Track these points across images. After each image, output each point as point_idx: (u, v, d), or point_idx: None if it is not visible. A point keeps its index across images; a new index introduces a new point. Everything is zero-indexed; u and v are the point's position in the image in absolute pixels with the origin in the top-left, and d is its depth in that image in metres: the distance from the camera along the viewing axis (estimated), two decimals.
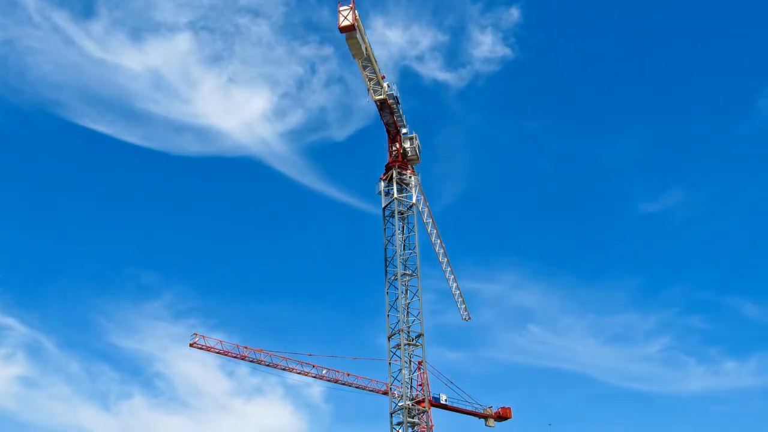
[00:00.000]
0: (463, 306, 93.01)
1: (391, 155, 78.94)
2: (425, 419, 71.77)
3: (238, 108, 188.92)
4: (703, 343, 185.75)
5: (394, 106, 75.10)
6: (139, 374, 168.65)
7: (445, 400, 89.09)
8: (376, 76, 71.88)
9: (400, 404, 70.62)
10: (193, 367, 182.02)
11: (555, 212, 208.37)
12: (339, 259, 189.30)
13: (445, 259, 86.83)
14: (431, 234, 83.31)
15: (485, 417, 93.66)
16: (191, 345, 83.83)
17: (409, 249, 75.63)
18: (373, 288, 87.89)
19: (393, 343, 72.44)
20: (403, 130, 78.81)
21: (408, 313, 73.26)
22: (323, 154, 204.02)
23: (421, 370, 75.38)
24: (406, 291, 74.05)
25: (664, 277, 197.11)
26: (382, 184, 78.27)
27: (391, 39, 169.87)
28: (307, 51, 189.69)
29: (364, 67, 71.06)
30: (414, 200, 77.54)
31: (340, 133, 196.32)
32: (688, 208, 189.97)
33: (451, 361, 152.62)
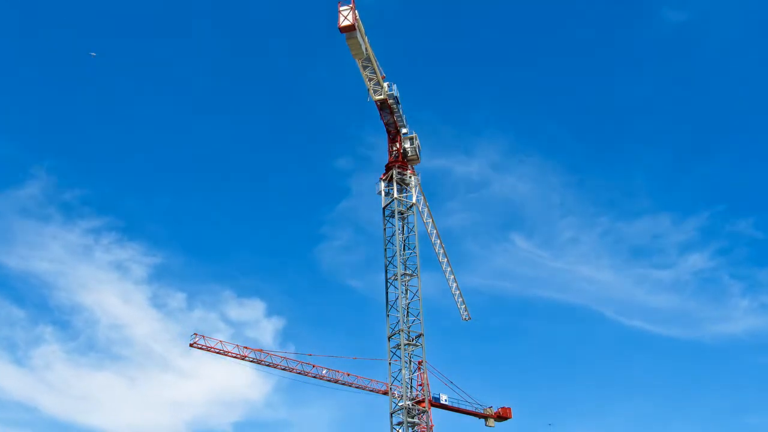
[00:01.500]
0: (463, 306, 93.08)
1: (391, 155, 78.95)
2: (425, 419, 71.77)
3: None
4: (754, 262, 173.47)
5: (394, 106, 75.08)
6: (44, 308, 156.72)
7: (445, 400, 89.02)
8: (377, 76, 71.86)
9: (400, 404, 70.63)
10: (111, 301, 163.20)
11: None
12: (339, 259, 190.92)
13: (445, 259, 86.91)
14: (431, 234, 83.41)
15: (485, 417, 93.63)
16: (191, 345, 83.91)
17: (409, 249, 75.66)
18: (373, 288, 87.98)
19: (393, 343, 72.44)
20: (403, 130, 78.81)
21: (408, 313, 73.29)
22: None
23: (421, 370, 75.38)
24: (406, 291, 74.07)
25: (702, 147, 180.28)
26: (382, 184, 78.27)
27: None
28: None
29: (364, 67, 71.02)
30: (414, 200, 77.57)
31: None
32: None
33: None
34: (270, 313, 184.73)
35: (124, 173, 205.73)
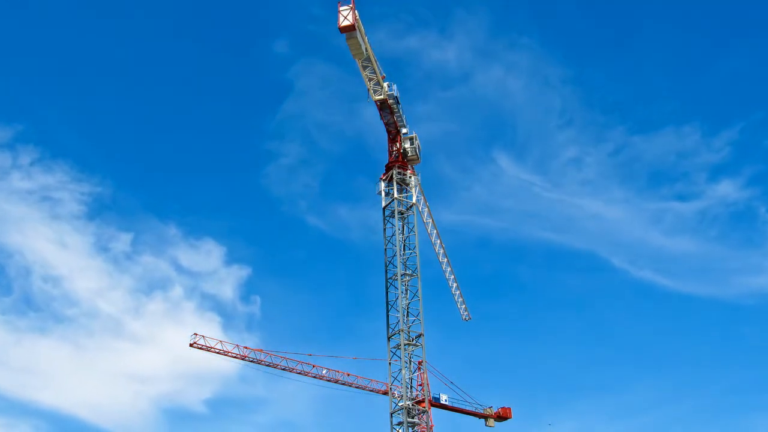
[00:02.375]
0: (463, 306, 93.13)
1: (391, 155, 78.95)
2: (425, 419, 71.75)
3: None
4: None
5: (394, 106, 75.07)
6: None
7: (445, 400, 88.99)
8: (377, 76, 71.84)
9: (400, 404, 70.62)
10: (41, 245, 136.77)
11: None
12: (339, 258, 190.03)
13: (445, 259, 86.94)
14: (431, 234, 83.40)
15: (485, 417, 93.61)
16: (191, 345, 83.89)
17: (409, 249, 75.63)
18: (374, 288, 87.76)
19: (393, 343, 72.43)
20: (404, 130, 78.81)
21: (408, 313, 73.27)
22: None
23: (421, 370, 75.36)
24: (406, 291, 74.04)
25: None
26: (382, 184, 78.27)
27: None
28: None
29: (364, 68, 71.00)
30: (414, 200, 77.56)
31: None
32: None
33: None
34: (229, 261, 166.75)
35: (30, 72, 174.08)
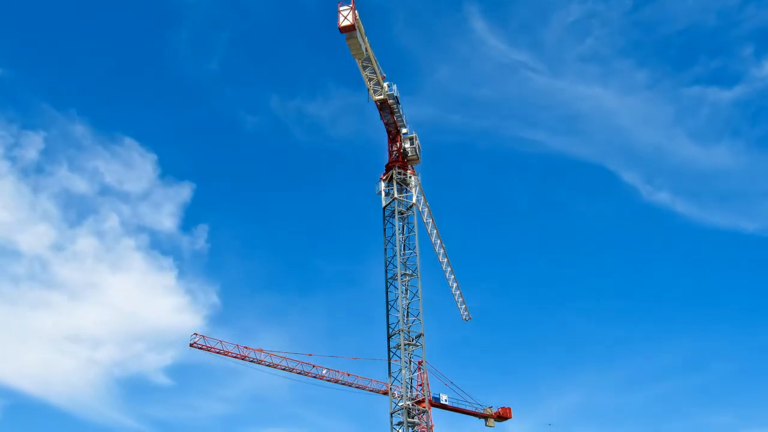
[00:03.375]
0: (464, 306, 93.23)
1: (391, 155, 78.96)
2: (425, 419, 71.74)
3: None
4: None
5: (394, 106, 75.09)
6: None
7: (445, 400, 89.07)
8: (377, 76, 71.84)
9: (400, 404, 70.61)
10: None
11: None
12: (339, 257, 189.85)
13: (446, 259, 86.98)
14: (431, 234, 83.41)
15: (485, 417, 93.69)
16: (191, 345, 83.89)
17: (409, 249, 75.64)
18: (374, 287, 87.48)
19: (393, 343, 72.43)
20: (404, 130, 78.84)
21: (408, 313, 73.27)
22: None
23: (421, 370, 75.36)
24: (406, 291, 74.04)
25: None
26: (382, 184, 78.29)
27: None
28: None
29: (364, 68, 71.01)
30: (414, 200, 77.56)
31: None
32: None
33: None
34: (163, 172, 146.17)
35: None
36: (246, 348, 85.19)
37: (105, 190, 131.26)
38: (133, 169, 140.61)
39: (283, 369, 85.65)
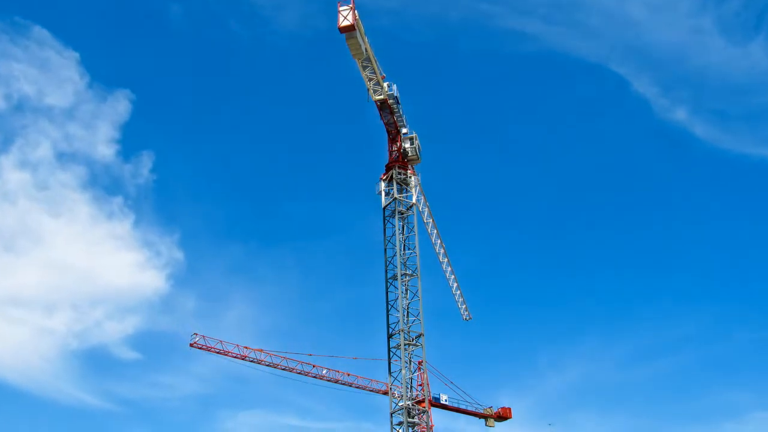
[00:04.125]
0: (464, 306, 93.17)
1: (391, 155, 78.95)
2: (425, 419, 71.73)
3: None
4: None
5: (395, 106, 75.06)
6: None
7: (445, 400, 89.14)
8: (376, 76, 71.80)
9: (400, 404, 70.60)
10: None
11: None
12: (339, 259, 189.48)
13: (446, 259, 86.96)
14: (431, 234, 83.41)
15: (485, 417, 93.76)
16: (191, 345, 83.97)
17: (409, 249, 75.61)
18: (374, 288, 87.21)
19: (393, 343, 72.41)
20: (404, 130, 78.81)
21: (408, 313, 73.25)
22: None
23: (421, 370, 75.37)
24: (406, 291, 74.01)
25: None
26: (383, 184, 78.26)
27: None
28: None
29: (364, 68, 70.96)
30: (414, 200, 77.54)
31: None
32: None
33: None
34: (92, 80, 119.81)
35: None
36: (246, 348, 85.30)
37: (22, 104, 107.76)
38: (51, 72, 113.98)
39: (283, 369, 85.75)
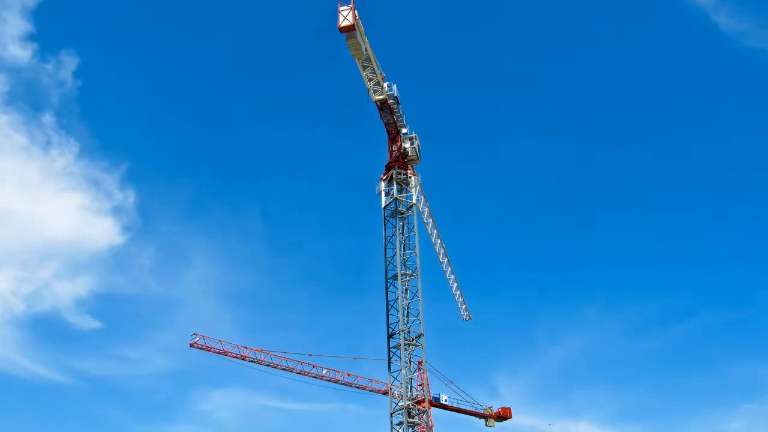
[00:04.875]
0: (464, 306, 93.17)
1: (391, 155, 78.95)
2: (425, 419, 71.73)
3: None
4: None
5: (395, 106, 75.04)
6: None
7: (445, 400, 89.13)
8: (376, 77, 71.79)
9: (400, 404, 70.60)
10: None
11: None
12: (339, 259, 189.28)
13: (446, 259, 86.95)
14: (431, 234, 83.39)
15: (485, 417, 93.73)
16: (191, 345, 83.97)
17: (409, 249, 75.62)
18: (374, 288, 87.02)
19: (393, 343, 72.41)
20: (404, 130, 78.81)
21: (408, 313, 73.25)
22: None
23: (421, 370, 75.37)
24: (406, 291, 74.02)
25: None
26: (383, 184, 78.27)
27: None
28: None
29: (364, 68, 70.94)
30: (414, 200, 77.55)
31: None
32: None
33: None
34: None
35: None
36: (246, 348, 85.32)
37: None
38: None
39: (283, 369, 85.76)
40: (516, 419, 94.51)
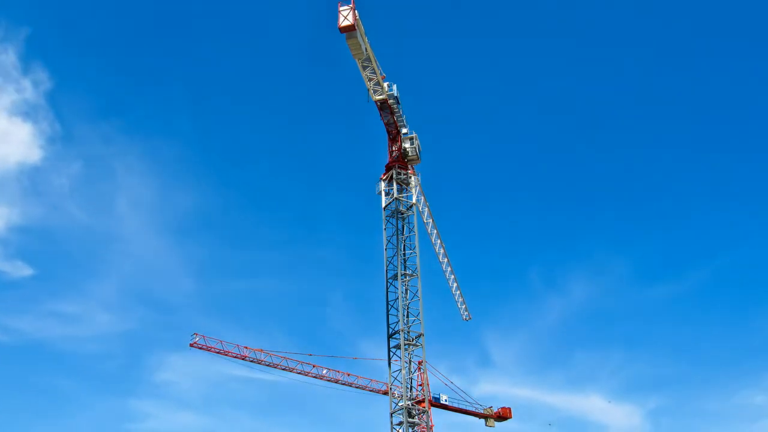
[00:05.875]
0: (464, 306, 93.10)
1: (391, 155, 78.94)
2: (425, 419, 71.74)
3: None
4: None
5: (395, 106, 75.03)
6: None
7: (445, 400, 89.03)
8: (377, 77, 71.77)
9: (400, 404, 70.61)
10: None
11: None
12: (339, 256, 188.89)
13: (446, 259, 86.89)
14: (431, 234, 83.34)
15: (485, 417, 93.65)
16: (191, 345, 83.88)
17: (409, 249, 75.64)
18: (374, 288, 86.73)
19: (393, 343, 72.41)
20: (404, 130, 78.81)
21: (408, 313, 73.25)
22: None
23: (421, 370, 75.36)
24: (406, 291, 74.03)
25: None
26: (383, 184, 78.28)
27: None
28: None
29: (364, 68, 70.91)
30: (414, 200, 77.55)
31: None
32: None
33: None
34: None
35: None
36: (246, 348, 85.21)
37: None
38: None
39: (283, 369, 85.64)
40: (514, 391, 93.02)
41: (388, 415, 71.34)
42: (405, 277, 74.16)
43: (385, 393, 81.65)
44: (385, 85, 73.37)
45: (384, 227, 76.80)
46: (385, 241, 76.26)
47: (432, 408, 77.74)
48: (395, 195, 76.84)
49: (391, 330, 72.79)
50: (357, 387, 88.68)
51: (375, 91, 73.07)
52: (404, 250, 75.29)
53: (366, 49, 69.07)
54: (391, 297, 73.85)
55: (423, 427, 71.19)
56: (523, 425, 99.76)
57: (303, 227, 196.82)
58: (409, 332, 72.48)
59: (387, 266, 75.29)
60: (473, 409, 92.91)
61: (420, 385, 75.87)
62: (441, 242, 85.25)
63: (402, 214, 76.86)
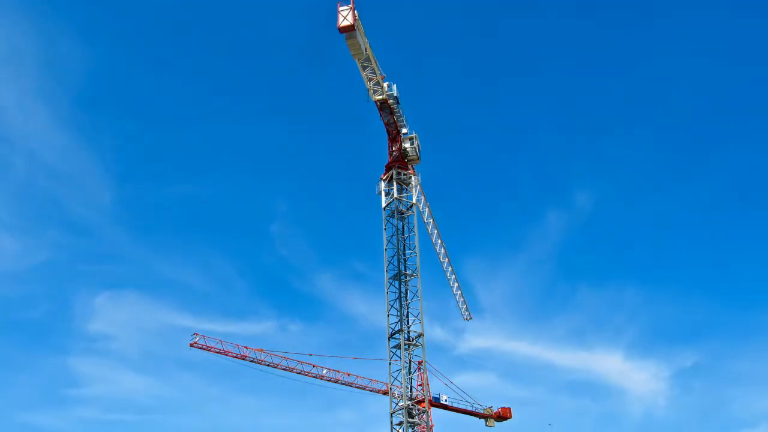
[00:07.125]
0: (464, 306, 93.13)
1: (391, 155, 78.91)
2: (425, 419, 71.71)
3: None
4: None
5: (394, 106, 75.01)
6: None
7: (445, 400, 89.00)
8: (376, 77, 71.75)
9: (400, 404, 70.58)
10: None
11: None
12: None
13: (446, 260, 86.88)
14: (431, 234, 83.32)
15: (485, 417, 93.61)
16: (191, 345, 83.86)
17: (410, 249, 75.60)
18: (374, 287, 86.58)
19: (393, 343, 72.38)
20: (404, 130, 78.77)
21: (408, 313, 73.21)
22: None
23: (421, 370, 75.33)
24: (407, 291, 74.00)
25: None
26: (383, 184, 78.25)
27: None
28: None
29: (364, 68, 70.91)
30: (414, 200, 77.51)
31: None
32: None
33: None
34: None
35: None
36: (246, 348, 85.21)
37: None
38: None
39: (284, 369, 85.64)
40: (510, 346, 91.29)
41: (388, 415, 71.33)
42: (405, 277, 74.12)
43: (385, 393, 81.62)
44: (385, 85, 73.36)
45: (384, 227, 76.81)
46: (385, 241, 76.27)
47: (432, 408, 77.72)
48: (395, 195, 76.81)
49: (391, 330, 72.76)
50: (357, 387, 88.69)
51: (375, 91, 73.06)
52: (404, 250, 75.26)
53: (366, 49, 69.06)
54: (391, 297, 73.84)
55: (423, 427, 71.17)
56: (523, 425, 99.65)
57: (303, 227, 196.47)
58: (409, 332, 72.45)
59: (387, 266, 75.28)
60: (473, 409, 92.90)
61: (420, 385, 75.85)
62: (441, 242, 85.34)
63: (402, 214, 76.84)
